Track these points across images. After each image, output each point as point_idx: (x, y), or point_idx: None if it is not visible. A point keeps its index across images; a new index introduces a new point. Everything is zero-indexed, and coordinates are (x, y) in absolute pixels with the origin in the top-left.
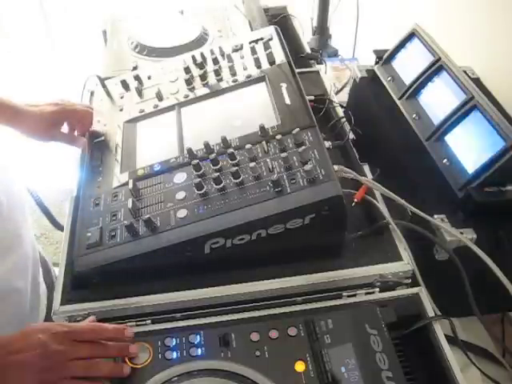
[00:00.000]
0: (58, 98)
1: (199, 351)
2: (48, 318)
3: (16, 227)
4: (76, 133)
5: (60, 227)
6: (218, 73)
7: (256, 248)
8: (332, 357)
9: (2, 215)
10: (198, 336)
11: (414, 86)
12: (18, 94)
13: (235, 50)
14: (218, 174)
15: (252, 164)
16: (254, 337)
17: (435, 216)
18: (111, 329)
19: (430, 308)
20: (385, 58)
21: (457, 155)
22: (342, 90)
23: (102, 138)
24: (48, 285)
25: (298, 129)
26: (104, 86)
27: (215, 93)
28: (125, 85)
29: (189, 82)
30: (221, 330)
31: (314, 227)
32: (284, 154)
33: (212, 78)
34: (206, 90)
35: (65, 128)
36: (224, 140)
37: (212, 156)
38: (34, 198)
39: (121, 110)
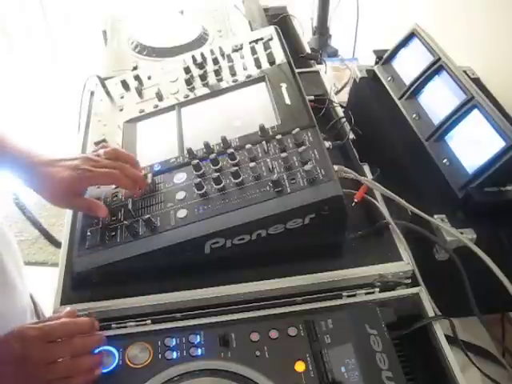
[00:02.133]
0: (88, 153)
1: (199, 351)
2: None
3: (12, 280)
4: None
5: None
6: (218, 73)
7: (256, 248)
8: (332, 357)
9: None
10: (198, 336)
11: (414, 86)
12: (18, 95)
13: (235, 50)
14: (218, 174)
15: (252, 164)
16: (254, 337)
17: (435, 216)
18: (83, 322)
19: (430, 308)
20: (385, 57)
21: (457, 155)
22: (341, 90)
23: (102, 137)
24: None
25: (298, 129)
26: (104, 86)
27: (215, 93)
28: (125, 85)
29: (189, 82)
30: (221, 330)
31: (314, 227)
32: (284, 154)
33: (212, 78)
34: (205, 90)
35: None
36: (224, 140)
37: (212, 156)
38: (29, 218)
39: (121, 110)
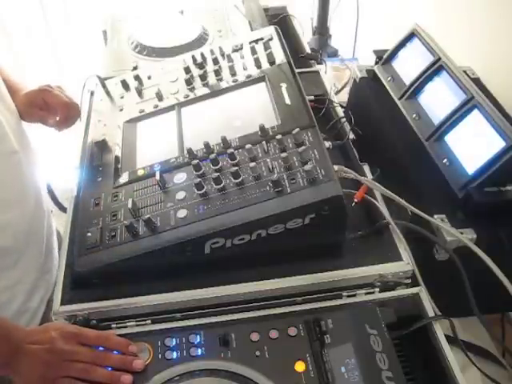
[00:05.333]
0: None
1: (199, 351)
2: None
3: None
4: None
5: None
6: (218, 73)
7: (256, 248)
8: (332, 357)
9: (22, 166)
10: (198, 336)
11: (414, 86)
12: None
13: (235, 50)
14: (218, 174)
15: (252, 164)
16: (254, 337)
17: (435, 216)
18: (115, 340)
19: (430, 308)
20: (385, 57)
21: (457, 155)
22: (342, 90)
23: (102, 137)
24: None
25: (298, 129)
26: (104, 86)
27: (215, 93)
28: (125, 85)
29: (189, 82)
30: (221, 330)
31: (314, 227)
32: (284, 154)
33: (212, 78)
34: (205, 90)
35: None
36: (224, 140)
37: (212, 156)
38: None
39: (121, 110)
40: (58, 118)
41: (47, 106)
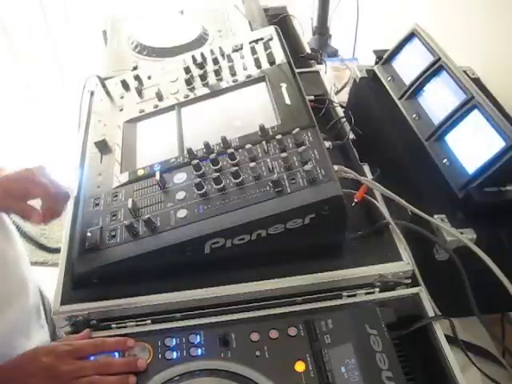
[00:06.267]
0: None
1: (199, 351)
2: None
3: (21, 278)
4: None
5: (50, 250)
6: (218, 73)
7: (256, 248)
8: (332, 357)
9: (9, 266)
10: (198, 336)
11: (414, 86)
12: (18, 95)
13: (235, 50)
14: (218, 174)
15: (252, 164)
16: (254, 337)
17: (435, 216)
18: (112, 341)
19: (430, 308)
20: (385, 57)
21: (457, 155)
22: (342, 90)
23: (102, 138)
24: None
25: (298, 129)
26: (104, 86)
27: (215, 93)
28: (125, 85)
29: (189, 82)
30: (221, 330)
31: (314, 227)
32: (284, 154)
33: (212, 78)
34: (206, 90)
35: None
36: (224, 140)
37: (212, 156)
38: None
39: (121, 110)
40: (41, 211)
41: (29, 197)
